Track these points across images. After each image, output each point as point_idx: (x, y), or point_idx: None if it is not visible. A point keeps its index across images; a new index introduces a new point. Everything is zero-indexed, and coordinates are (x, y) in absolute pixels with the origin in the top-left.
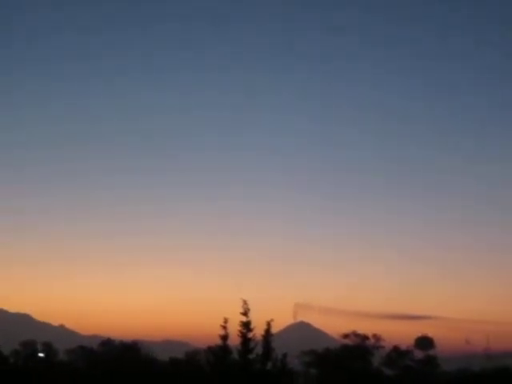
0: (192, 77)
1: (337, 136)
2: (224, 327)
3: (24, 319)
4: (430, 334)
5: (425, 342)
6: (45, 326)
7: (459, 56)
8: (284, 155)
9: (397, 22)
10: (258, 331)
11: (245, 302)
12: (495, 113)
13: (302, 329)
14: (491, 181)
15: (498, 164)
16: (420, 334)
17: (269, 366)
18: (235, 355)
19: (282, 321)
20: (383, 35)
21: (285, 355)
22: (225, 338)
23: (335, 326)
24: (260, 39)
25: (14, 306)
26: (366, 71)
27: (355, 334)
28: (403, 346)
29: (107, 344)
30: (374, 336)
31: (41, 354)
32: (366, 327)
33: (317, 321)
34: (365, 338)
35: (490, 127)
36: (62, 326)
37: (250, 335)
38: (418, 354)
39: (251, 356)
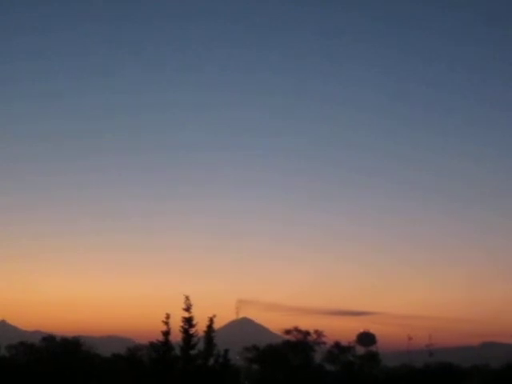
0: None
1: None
2: (166, 323)
3: None
4: (371, 330)
5: (366, 338)
6: None
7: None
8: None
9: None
10: (201, 327)
11: (187, 298)
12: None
13: (244, 325)
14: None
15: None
16: (362, 330)
17: (211, 361)
18: (177, 351)
19: (224, 317)
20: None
21: (226, 351)
22: (167, 333)
23: (277, 322)
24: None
25: None
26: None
27: (297, 330)
28: (345, 342)
29: (49, 340)
30: (316, 332)
31: None
32: (307, 323)
33: (259, 317)
34: (307, 333)
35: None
36: (3, 322)
37: (192, 331)
38: (360, 350)
39: (193, 352)
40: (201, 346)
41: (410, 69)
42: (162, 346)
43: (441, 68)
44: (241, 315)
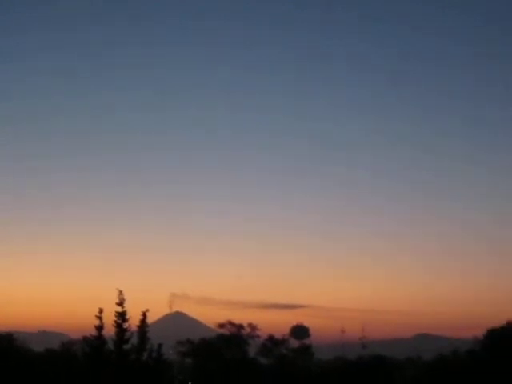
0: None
1: None
2: (99, 318)
3: None
4: (305, 323)
5: (300, 331)
6: None
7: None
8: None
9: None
10: (134, 321)
11: (120, 293)
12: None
13: (177, 319)
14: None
15: None
16: (295, 323)
17: (144, 356)
18: (111, 345)
19: (157, 311)
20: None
21: (160, 345)
22: (100, 328)
23: (211, 316)
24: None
25: None
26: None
27: (231, 324)
28: (278, 335)
29: None
30: (250, 325)
31: None
32: (241, 317)
33: (192, 310)
34: (240, 327)
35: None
36: None
37: (126, 325)
38: (294, 343)
39: (127, 346)
40: (134, 340)
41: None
42: (96, 341)
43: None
44: (174, 309)
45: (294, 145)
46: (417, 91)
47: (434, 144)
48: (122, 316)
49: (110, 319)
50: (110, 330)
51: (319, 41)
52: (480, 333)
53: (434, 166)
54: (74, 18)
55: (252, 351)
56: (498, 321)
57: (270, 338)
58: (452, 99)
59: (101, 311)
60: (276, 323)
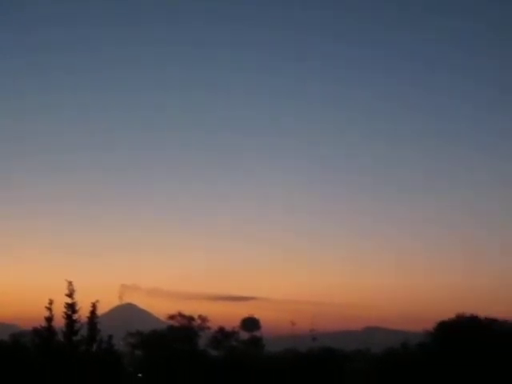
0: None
1: None
2: (49, 309)
3: None
4: (255, 315)
5: (250, 323)
6: None
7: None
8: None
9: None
10: (84, 312)
11: (70, 284)
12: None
13: (128, 310)
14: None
15: None
16: (245, 315)
17: (94, 347)
18: (61, 337)
19: (108, 302)
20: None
21: (110, 337)
22: (50, 319)
23: (161, 308)
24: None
25: None
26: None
27: (181, 315)
28: (229, 327)
29: None
30: (200, 317)
31: None
32: (192, 308)
33: (143, 302)
34: (191, 319)
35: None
36: None
37: (75, 317)
38: (244, 335)
39: (76, 338)
40: (84, 331)
41: None
42: (46, 332)
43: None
44: (125, 301)
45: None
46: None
47: None
48: (71, 307)
49: (60, 310)
50: (60, 322)
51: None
52: (430, 326)
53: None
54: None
55: (202, 343)
56: (448, 314)
57: (221, 329)
58: None
59: (51, 302)
60: (226, 315)
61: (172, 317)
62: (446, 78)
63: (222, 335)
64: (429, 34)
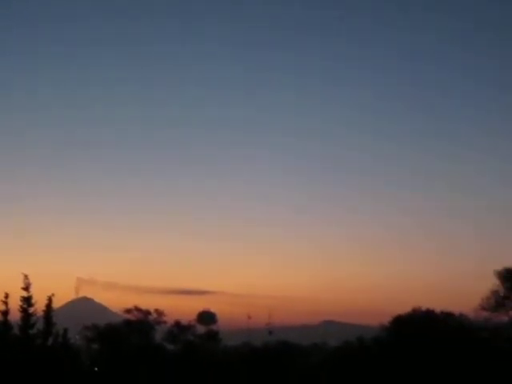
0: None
1: None
2: (5, 302)
3: None
4: (212, 309)
5: (207, 317)
6: None
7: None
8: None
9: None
10: (40, 306)
11: (26, 277)
12: None
13: (84, 304)
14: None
15: None
16: (202, 309)
17: (50, 341)
18: (16, 331)
19: (64, 296)
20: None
21: (66, 330)
22: (5, 313)
23: (118, 301)
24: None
25: None
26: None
27: (137, 309)
28: (185, 321)
29: None
30: (156, 311)
31: None
32: (148, 302)
33: (99, 296)
34: (147, 313)
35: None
36: None
37: (31, 310)
38: (200, 329)
39: (32, 331)
40: (40, 325)
41: None
42: (1, 326)
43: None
44: (81, 294)
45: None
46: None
47: None
48: (27, 301)
49: (16, 304)
50: (16, 315)
51: None
52: (386, 320)
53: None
54: None
55: (158, 337)
56: (405, 308)
57: (177, 323)
58: None
59: (6, 296)
60: (183, 309)
61: (128, 311)
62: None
63: (179, 329)
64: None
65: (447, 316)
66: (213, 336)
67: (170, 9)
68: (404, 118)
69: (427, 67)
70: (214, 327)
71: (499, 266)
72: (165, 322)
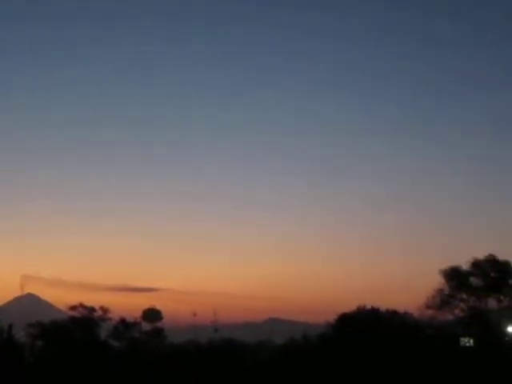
0: None
1: None
2: None
3: None
4: (157, 306)
5: (152, 314)
6: None
7: None
8: None
9: None
10: None
11: None
12: None
13: (29, 301)
14: None
15: None
16: (147, 306)
17: None
18: None
19: (8, 293)
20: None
21: (10, 326)
22: None
23: (63, 298)
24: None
25: None
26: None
27: (82, 306)
28: (130, 318)
29: None
30: (102, 308)
31: None
32: (93, 299)
33: (45, 293)
34: (92, 310)
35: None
36: None
37: None
38: (146, 326)
39: None
40: None
41: None
42: None
43: None
44: (26, 291)
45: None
46: None
47: None
48: None
49: None
50: None
51: None
52: (332, 317)
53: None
54: None
55: (103, 334)
56: (351, 306)
57: (122, 320)
58: None
59: None
60: (128, 306)
61: (73, 307)
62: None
63: (124, 326)
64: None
65: (392, 314)
66: (158, 333)
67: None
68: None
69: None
70: (159, 324)
71: (445, 265)
72: (110, 319)
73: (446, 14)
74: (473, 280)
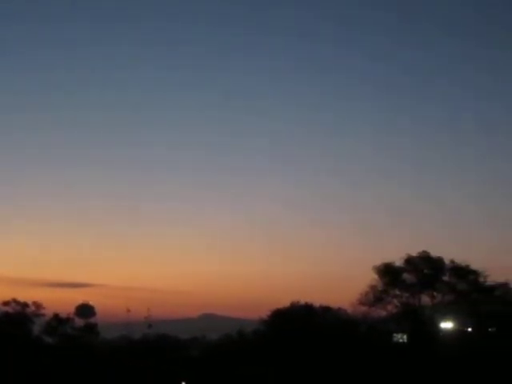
0: None
1: None
2: None
3: None
4: (90, 302)
5: (85, 310)
6: None
7: None
8: None
9: None
10: None
11: None
12: None
13: None
14: None
15: None
16: (81, 302)
17: None
18: None
19: None
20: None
21: None
22: None
23: None
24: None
25: None
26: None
27: (15, 302)
28: (64, 314)
29: None
30: (35, 304)
31: None
32: (26, 295)
33: None
34: (25, 305)
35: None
36: None
37: None
38: (79, 322)
39: None
40: None
41: None
42: None
43: None
44: None
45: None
46: None
47: None
48: None
49: None
50: None
51: None
52: (266, 314)
53: None
54: None
55: (37, 330)
56: (285, 302)
57: (55, 316)
58: None
59: None
60: (62, 302)
61: (6, 303)
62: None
63: (57, 322)
64: None
65: (325, 310)
66: (91, 329)
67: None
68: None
69: None
70: (92, 320)
71: (379, 262)
72: (43, 315)
73: None
74: (406, 276)
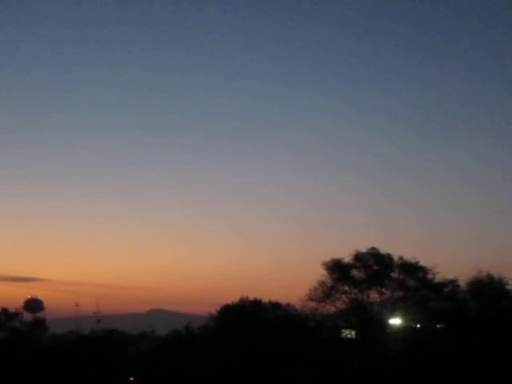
0: None
1: None
2: None
3: None
4: (39, 297)
5: (34, 305)
6: None
7: None
8: None
9: None
10: None
11: None
12: None
13: None
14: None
15: None
16: (29, 296)
17: None
18: None
19: None
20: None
21: None
22: None
23: None
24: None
25: None
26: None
27: None
28: (12, 309)
29: None
30: None
31: None
32: None
33: None
34: None
35: None
36: None
37: None
38: (28, 317)
39: None
40: None
41: None
42: None
43: None
44: None
45: None
46: None
47: None
48: None
49: None
50: None
51: None
52: (214, 309)
53: None
54: None
55: None
56: (234, 297)
57: (4, 310)
58: None
59: None
60: (10, 296)
61: None
62: None
63: (5, 316)
64: None
65: (274, 306)
66: (40, 323)
67: None
68: None
69: None
70: (41, 315)
71: (327, 258)
72: None
73: None
74: (355, 272)
